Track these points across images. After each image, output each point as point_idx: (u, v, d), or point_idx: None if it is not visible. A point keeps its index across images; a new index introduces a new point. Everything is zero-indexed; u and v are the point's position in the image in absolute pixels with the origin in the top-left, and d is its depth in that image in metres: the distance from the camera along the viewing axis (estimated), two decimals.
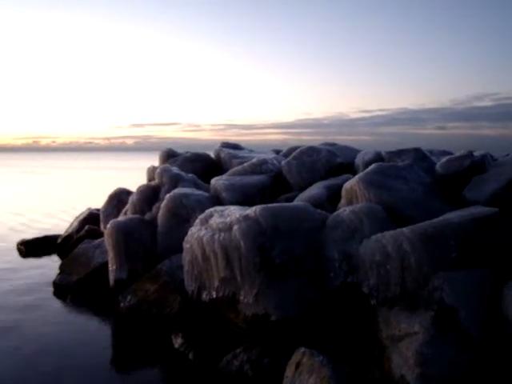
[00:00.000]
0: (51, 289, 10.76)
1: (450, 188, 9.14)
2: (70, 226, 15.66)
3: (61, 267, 11.71)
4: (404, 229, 6.58)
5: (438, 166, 9.94)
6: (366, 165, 10.48)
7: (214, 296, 7.69)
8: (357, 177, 8.77)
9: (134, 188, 13.28)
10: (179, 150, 15.85)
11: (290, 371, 5.83)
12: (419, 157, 10.93)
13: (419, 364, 5.46)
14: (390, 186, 8.41)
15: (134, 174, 39.21)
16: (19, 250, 14.47)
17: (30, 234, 16.21)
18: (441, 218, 7.00)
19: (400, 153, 11.28)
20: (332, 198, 9.58)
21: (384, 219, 7.51)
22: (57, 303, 9.95)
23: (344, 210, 7.76)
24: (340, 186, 9.26)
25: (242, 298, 7.27)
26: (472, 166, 9.45)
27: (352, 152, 13.05)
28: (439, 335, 5.59)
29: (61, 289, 10.70)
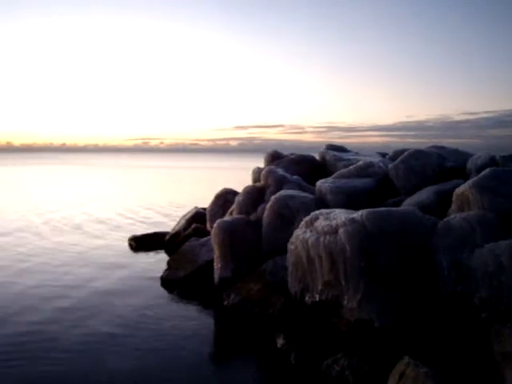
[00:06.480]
0: (159, 282, 11.31)
1: None
2: (178, 223, 16.37)
3: (168, 263, 12.28)
4: None
5: None
6: (479, 169, 9.97)
7: (317, 299, 7.69)
8: (469, 182, 8.36)
9: (238, 188, 13.56)
10: (283, 152, 15.96)
11: (393, 381, 5.71)
12: None
13: None
14: (505, 193, 7.94)
15: (238, 175, 40.00)
16: (130, 244, 15.41)
17: (139, 230, 17.19)
18: None
19: None
20: (441, 204, 9.23)
21: (498, 228, 7.13)
22: (164, 296, 10.42)
23: (455, 217, 7.46)
24: (450, 192, 8.90)
25: (345, 302, 7.20)
26: None
27: (462, 156, 12.42)
28: None
29: (168, 283, 11.22)
